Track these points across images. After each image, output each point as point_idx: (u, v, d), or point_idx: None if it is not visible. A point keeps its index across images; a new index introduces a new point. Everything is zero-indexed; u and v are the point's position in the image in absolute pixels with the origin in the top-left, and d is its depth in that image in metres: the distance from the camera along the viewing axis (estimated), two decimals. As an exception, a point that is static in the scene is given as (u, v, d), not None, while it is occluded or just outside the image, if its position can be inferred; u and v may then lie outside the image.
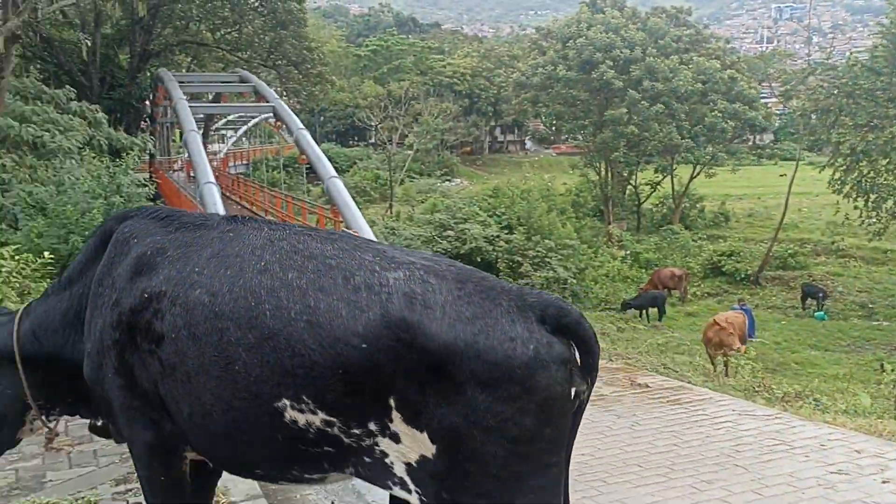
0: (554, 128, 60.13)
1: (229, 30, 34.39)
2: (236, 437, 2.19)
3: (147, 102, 33.09)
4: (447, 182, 53.36)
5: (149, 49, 31.70)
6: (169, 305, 2.20)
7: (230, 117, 45.84)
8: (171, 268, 2.25)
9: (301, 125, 20.07)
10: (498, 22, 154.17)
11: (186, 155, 43.78)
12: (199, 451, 2.36)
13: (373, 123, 53.55)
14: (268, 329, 2.07)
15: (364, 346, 2.01)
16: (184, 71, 34.29)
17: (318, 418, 2.07)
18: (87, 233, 14.71)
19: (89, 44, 27.22)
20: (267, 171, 41.72)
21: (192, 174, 38.98)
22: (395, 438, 2.04)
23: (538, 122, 69.13)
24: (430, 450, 2.01)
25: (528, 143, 78.00)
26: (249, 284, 2.13)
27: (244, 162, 47.23)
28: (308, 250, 2.21)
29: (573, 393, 2.10)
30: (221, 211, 14.98)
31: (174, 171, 34.82)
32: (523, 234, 24.31)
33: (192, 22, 32.99)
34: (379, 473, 2.11)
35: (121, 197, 14.33)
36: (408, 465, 2.06)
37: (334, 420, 2.06)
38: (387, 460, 2.08)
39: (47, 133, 18.96)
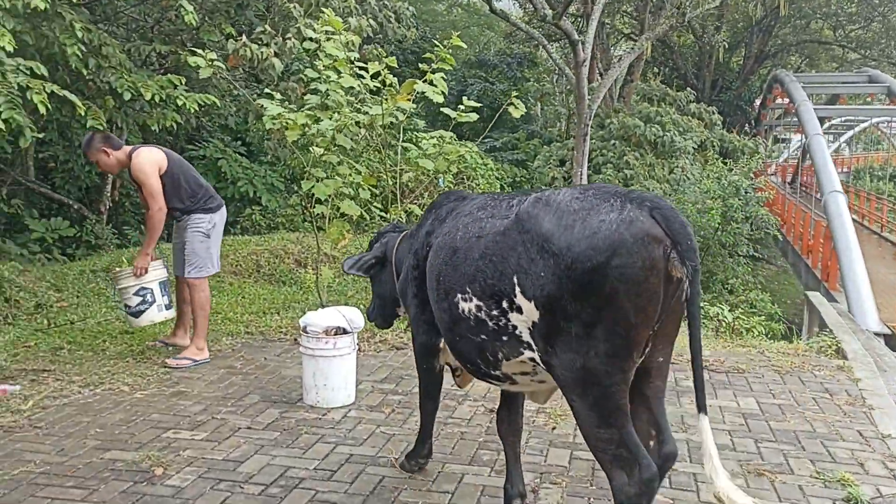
0: None
1: (854, 27, 31.60)
2: (449, 331, 3.01)
3: (754, 105, 32.57)
4: None
5: (765, 50, 31.09)
6: (432, 249, 3.17)
7: (833, 121, 42.69)
8: (442, 226, 3.21)
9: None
10: None
11: (780, 159, 42.28)
12: (449, 350, 3.17)
13: None
14: (456, 247, 2.92)
15: (502, 238, 2.69)
16: (791, 71, 32.76)
17: (473, 305, 2.79)
18: (703, 232, 14.98)
19: (726, 46, 27.70)
20: (871, 181, 37.62)
21: (786, 179, 37.51)
22: (519, 310, 2.62)
23: None
24: (536, 315, 2.56)
25: None
26: (456, 224, 3.03)
27: (844, 169, 43.40)
28: (501, 197, 2.99)
29: (664, 272, 2.43)
30: (848, 222, 13.52)
31: (768, 174, 33.72)
32: None
33: (814, 20, 31.21)
34: (515, 345, 2.73)
35: (739, 200, 14.13)
36: (528, 330, 2.63)
37: (482, 305, 2.75)
38: (517, 332, 2.68)
39: (668, 133, 19.93)
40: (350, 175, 6.26)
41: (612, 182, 19.36)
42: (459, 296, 2.84)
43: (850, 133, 44.97)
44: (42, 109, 6.21)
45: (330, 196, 6.18)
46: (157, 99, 7.81)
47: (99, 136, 5.64)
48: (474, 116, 6.19)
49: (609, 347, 2.43)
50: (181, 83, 8.15)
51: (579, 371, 2.48)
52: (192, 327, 5.76)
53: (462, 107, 6.21)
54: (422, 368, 3.63)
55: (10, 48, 5.91)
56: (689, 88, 24.88)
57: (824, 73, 31.78)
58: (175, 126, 9.03)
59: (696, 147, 20.50)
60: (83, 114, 6.78)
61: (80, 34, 7.19)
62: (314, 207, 6.81)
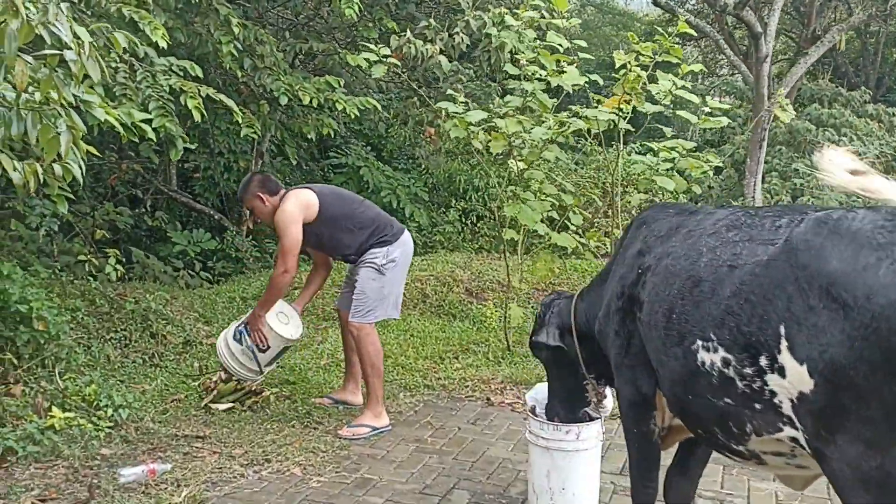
0: None
1: None
2: (679, 386, 2.36)
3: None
4: None
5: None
6: (650, 276, 2.52)
7: None
8: (660, 246, 2.56)
9: None
10: None
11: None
12: (671, 407, 2.56)
13: None
14: (699, 278, 2.28)
15: (765, 271, 2.08)
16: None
17: (718, 357, 2.18)
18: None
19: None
20: None
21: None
22: (781, 373, 2.02)
23: None
24: (808, 385, 1.97)
25: None
26: (697, 245, 2.38)
27: None
28: (759, 213, 2.34)
29: None
30: None
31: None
32: None
33: None
34: (772, 418, 2.11)
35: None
36: (791, 401, 2.03)
37: (731, 358, 2.14)
38: (775, 399, 2.08)
39: (844, 138, 17.72)
40: (558, 196, 5.04)
41: (780, 193, 17.38)
42: (700, 342, 2.23)
43: None
44: (197, 116, 5.31)
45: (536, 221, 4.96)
46: (314, 103, 6.87)
47: (257, 178, 4.67)
48: (724, 121, 4.84)
49: None
50: (339, 85, 7.20)
51: (873, 473, 1.87)
52: (364, 385, 4.70)
53: (707, 109, 4.85)
54: (632, 433, 2.86)
55: (163, 43, 5.02)
56: (862, 87, 22.33)
57: None
58: (331, 133, 8.08)
59: (878, 154, 18.17)
60: (239, 121, 5.86)
61: (236, 30, 6.30)
62: (504, 232, 5.64)
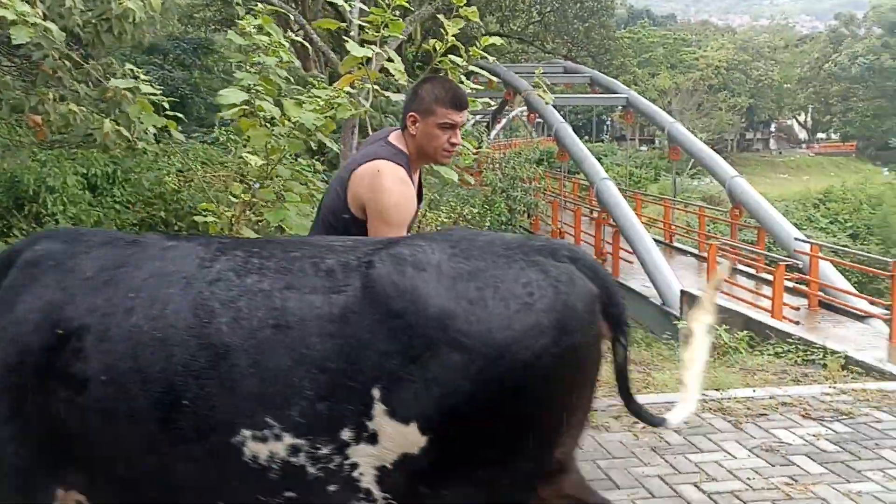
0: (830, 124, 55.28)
1: (526, 23, 33.91)
2: (196, 494, 1.83)
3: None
4: (696, 181, 50.49)
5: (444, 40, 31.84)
6: (95, 341, 1.82)
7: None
8: (95, 296, 1.86)
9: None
10: (728, 14, 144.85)
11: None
12: None
13: (612, 117, 51.99)
14: (226, 346, 1.76)
15: (342, 330, 1.76)
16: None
17: (282, 445, 1.76)
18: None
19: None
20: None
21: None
22: (373, 440, 1.76)
23: (785, 120, 65.71)
24: (417, 444, 1.75)
25: (773, 143, 72.34)
26: (199, 298, 1.81)
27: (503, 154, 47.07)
28: (267, 251, 1.93)
29: (600, 345, 1.88)
30: (625, 207, 13.73)
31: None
32: (879, 245, 21.49)
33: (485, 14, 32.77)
34: (341, 497, 1.80)
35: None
36: (381, 469, 1.78)
37: (302, 443, 1.76)
38: (354, 473, 1.79)
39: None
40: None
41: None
42: (248, 433, 1.76)
43: (505, 121, 48.83)
44: None
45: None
46: None
47: None
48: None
49: (546, 454, 1.87)
50: None
51: None
52: None
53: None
54: None
55: None
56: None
57: (526, 65, 33.15)
58: None
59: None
60: None
61: None
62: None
